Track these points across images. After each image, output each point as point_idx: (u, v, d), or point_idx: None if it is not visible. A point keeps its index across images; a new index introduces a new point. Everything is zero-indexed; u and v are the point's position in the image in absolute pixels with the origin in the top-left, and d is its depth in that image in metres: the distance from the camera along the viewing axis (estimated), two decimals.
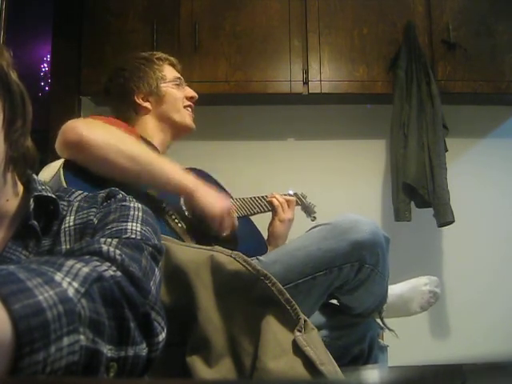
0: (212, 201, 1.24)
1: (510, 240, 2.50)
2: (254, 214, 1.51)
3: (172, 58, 1.50)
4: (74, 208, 0.73)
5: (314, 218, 1.68)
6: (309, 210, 1.68)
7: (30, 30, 3.54)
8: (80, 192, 0.79)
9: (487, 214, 2.51)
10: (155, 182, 1.20)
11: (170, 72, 1.47)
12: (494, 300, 2.44)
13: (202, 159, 2.24)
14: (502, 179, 2.54)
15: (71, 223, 0.71)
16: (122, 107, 1.45)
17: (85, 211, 0.72)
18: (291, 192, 1.63)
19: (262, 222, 1.58)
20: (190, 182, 1.23)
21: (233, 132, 2.55)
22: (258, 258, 1.22)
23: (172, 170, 1.21)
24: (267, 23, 2.36)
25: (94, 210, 0.72)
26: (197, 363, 0.82)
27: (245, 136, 2.57)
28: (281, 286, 0.82)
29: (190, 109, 1.48)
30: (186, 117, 1.46)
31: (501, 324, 2.40)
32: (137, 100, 1.43)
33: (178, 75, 1.49)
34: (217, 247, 0.91)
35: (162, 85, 1.44)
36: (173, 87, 1.45)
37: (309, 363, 0.75)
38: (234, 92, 2.33)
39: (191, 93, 1.49)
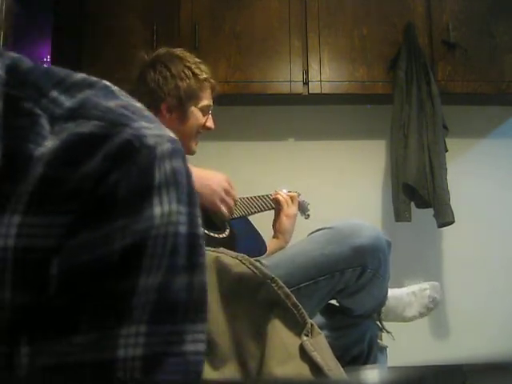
0: (208, 193, 1.25)
1: (510, 240, 2.50)
2: (255, 212, 1.52)
3: (214, 82, 1.44)
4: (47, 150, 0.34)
5: (308, 215, 1.70)
6: (303, 209, 1.69)
7: (30, 29, 3.54)
8: (62, 105, 0.37)
9: (487, 215, 2.51)
10: None
11: (206, 98, 1.42)
12: (495, 300, 2.43)
13: (201, 160, 2.24)
14: (503, 179, 2.54)
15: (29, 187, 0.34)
16: (144, 100, 1.44)
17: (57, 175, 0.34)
18: (285, 191, 1.64)
19: (260, 221, 1.58)
20: None
21: (232, 132, 2.55)
22: (260, 261, 1.22)
23: None
24: (267, 23, 2.36)
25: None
26: None
27: (244, 136, 2.56)
28: (287, 289, 0.82)
29: (199, 136, 1.45)
30: (193, 145, 1.44)
31: (501, 324, 2.40)
32: (161, 108, 1.37)
33: (211, 103, 1.44)
34: (222, 249, 0.91)
35: (192, 106, 1.40)
36: (199, 112, 1.41)
37: (316, 368, 0.75)
38: (234, 92, 2.33)
39: (210, 125, 1.44)
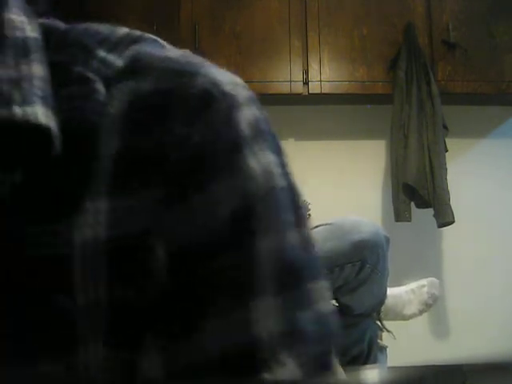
0: None
1: (510, 240, 2.50)
2: None
3: None
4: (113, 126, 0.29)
5: (309, 216, 1.69)
6: None
7: None
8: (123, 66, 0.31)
9: (487, 215, 2.51)
10: None
11: None
12: (495, 300, 2.44)
13: None
14: (503, 179, 2.54)
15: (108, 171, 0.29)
16: None
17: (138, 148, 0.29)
18: None
19: None
20: None
21: None
22: None
23: None
24: (267, 23, 2.36)
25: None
26: None
27: None
28: None
29: None
30: None
31: (501, 324, 2.40)
32: None
33: None
34: None
35: None
36: None
37: None
38: None
39: None
